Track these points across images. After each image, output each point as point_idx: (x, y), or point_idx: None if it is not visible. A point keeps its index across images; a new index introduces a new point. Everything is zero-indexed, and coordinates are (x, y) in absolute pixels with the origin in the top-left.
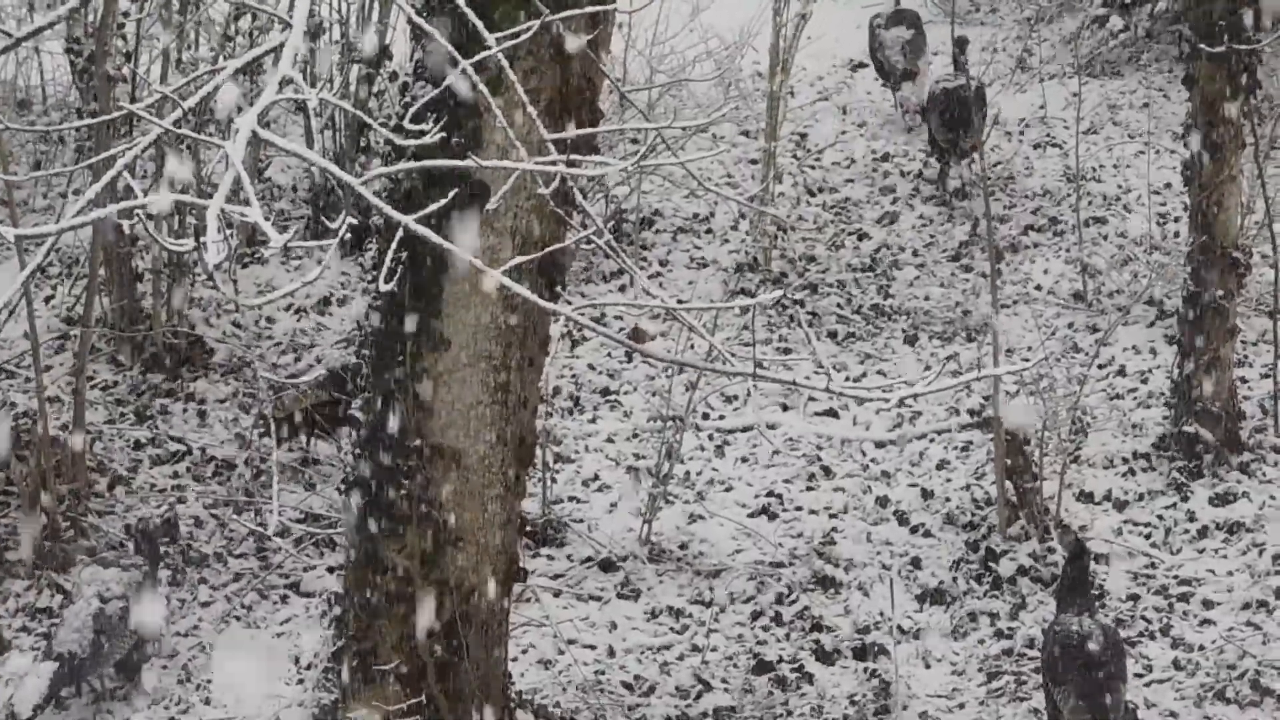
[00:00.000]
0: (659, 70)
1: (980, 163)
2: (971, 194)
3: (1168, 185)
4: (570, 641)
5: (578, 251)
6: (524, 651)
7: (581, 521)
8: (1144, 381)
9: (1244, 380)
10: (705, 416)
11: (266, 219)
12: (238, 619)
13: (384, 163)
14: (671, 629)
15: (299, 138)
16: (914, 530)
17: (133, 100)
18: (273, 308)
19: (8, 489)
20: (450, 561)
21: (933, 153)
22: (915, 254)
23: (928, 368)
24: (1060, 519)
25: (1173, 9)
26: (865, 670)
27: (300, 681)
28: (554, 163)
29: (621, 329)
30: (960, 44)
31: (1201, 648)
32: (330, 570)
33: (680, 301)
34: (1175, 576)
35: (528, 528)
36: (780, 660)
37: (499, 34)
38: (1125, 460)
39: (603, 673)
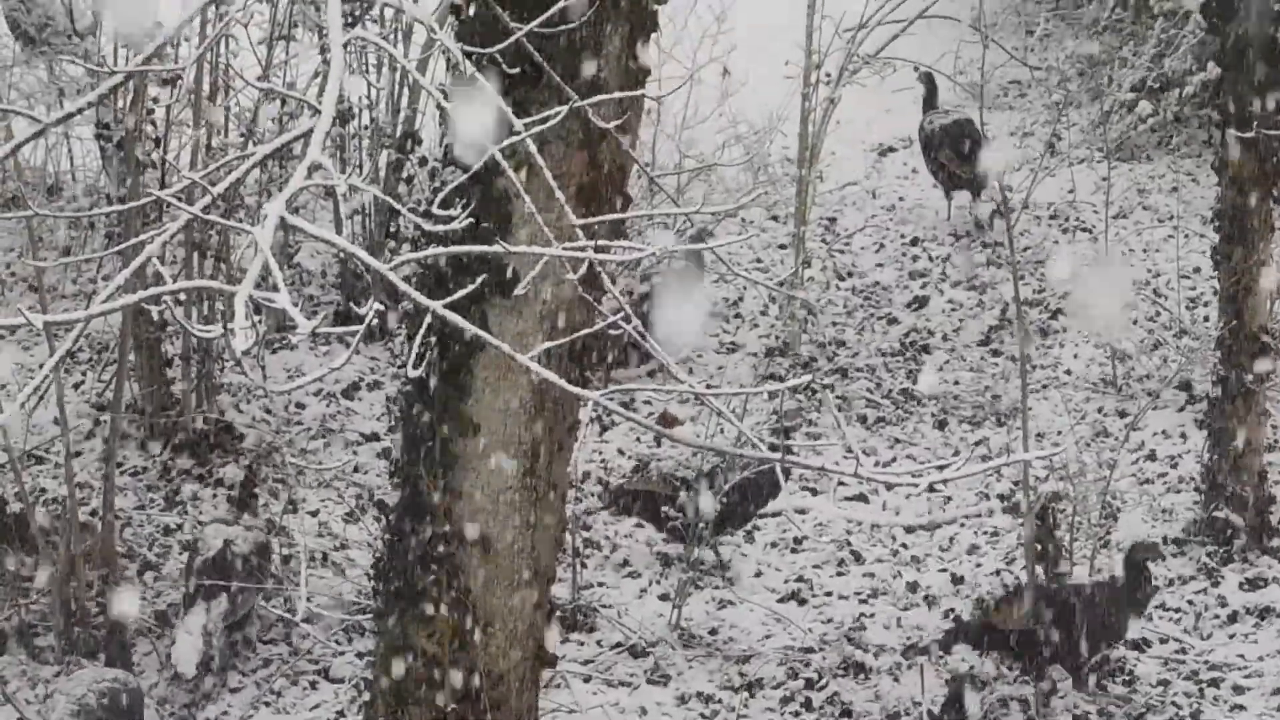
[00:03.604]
0: (688, 155)
1: (1009, 240)
2: (995, 222)
3: (1197, 269)
4: None
5: (606, 336)
6: None
7: (611, 607)
8: (1174, 466)
9: (1274, 465)
10: None
11: (295, 305)
12: (267, 704)
13: (413, 248)
14: (701, 714)
15: (328, 223)
16: (945, 615)
17: (162, 186)
18: (302, 393)
19: (38, 574)
20: (479, 647)
21: (946, 188)
22: (945, 338)
23: (957, 452)
24: None
25: (1202, 94)
26: None
27: None
28: (583, 248)
29: (650, 414)
30: (928, 80)
31: None
32: (359, 656)
33: (709, 386)
34: (1206, 662)
35: (557, 613)
36: None
37: (528, 119)
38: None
39: None
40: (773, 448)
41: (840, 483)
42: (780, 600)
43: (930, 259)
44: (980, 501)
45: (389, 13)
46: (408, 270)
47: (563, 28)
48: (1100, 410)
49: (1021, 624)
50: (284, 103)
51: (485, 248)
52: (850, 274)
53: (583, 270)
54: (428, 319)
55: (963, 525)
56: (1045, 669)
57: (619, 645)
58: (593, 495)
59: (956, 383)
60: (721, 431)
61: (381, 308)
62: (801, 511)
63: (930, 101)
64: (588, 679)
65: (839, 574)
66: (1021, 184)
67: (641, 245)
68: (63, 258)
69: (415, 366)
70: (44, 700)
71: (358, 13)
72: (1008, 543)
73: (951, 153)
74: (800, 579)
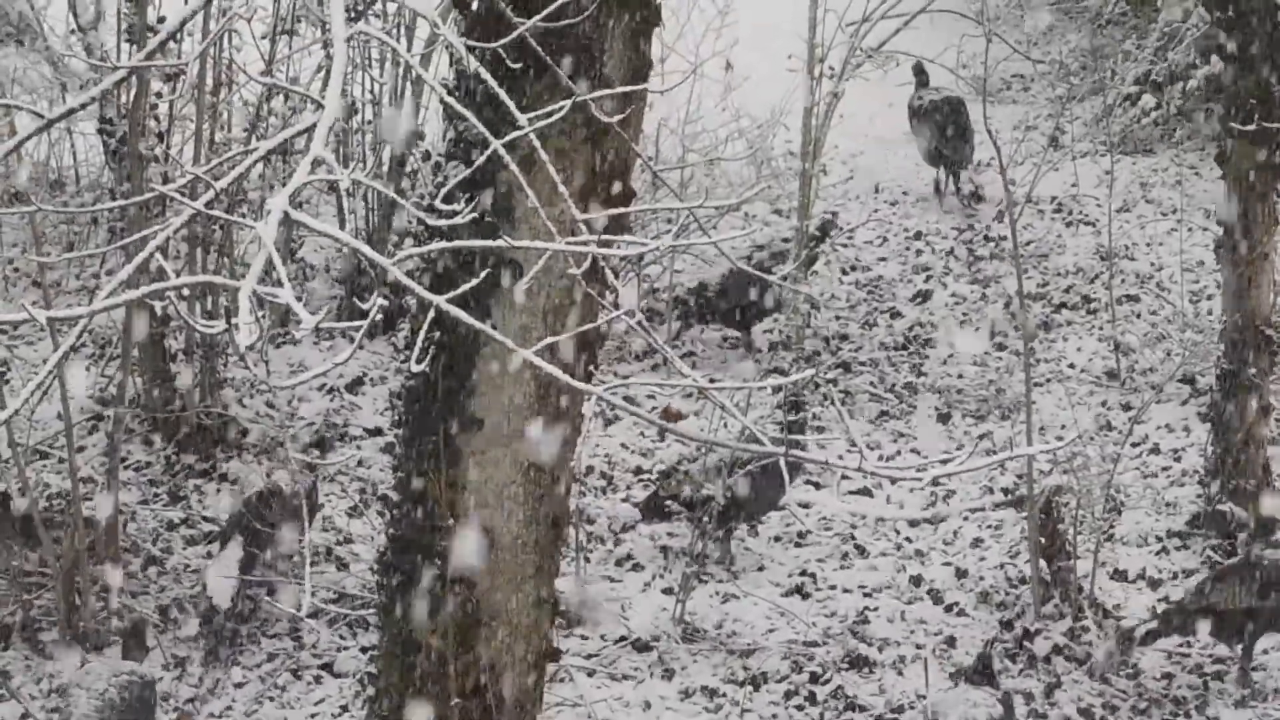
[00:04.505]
0: (691, 149)
1: (1012, 234)
2: (984, 197)
3: (1200, 263)
4: None
5: (610, 331)
6: None
7: (615, 601)
8: (1177, 459)
9: (1277, 458)
10: None
11: (298, 299)
12: (271, 699)
13: (416, 242)
14: (705, 709)
15: (331, 218)
16: (948, 609)
17: (165, 181)
18: (305, 388)
19: (42, 570)
20: (483, 641)
21: (936, 164)
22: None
23: (960, 446)
24: (1094, 597)
25: (1205, 87)
26: None
27: None
28: (586, 242)
29: (654, 408)
30: (918, 70)
31: None
32: (363, 650)
33: (712, 381)
34: (1210, 655)
35: (561, 607)
36: None
37: (531, 114)
38: (1159, 538)
39: None
40: (777, 441)
41: (844, 476)
42: (784, 594)
43: (934, 253)
44: (984, 495)
45: (392, 7)
46: (411, 265)
47: (566, 22)
48: (1104, 404)
49: (1231, 602)
50: (287, 97)
51: (488, 242)
52: (854, 268)
53: (586, 265)
54: (431, 313)
55: (966, 519)
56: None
57: (623, 639)
58: (596, 489)
59: (960, 377)
60: (725, 426)
61: (385, 302)
62: (805, 505)
63: (922, 82)
64: (592, 673)
65: (843, 567)
66: (1025, 177)
67: (644, 240)
68: (66, 253)
69: (418, 361)
70: (57, 693)
71: (361, 7)
72: (1011, 536)
73: (937, 129)
74: (804, 573)
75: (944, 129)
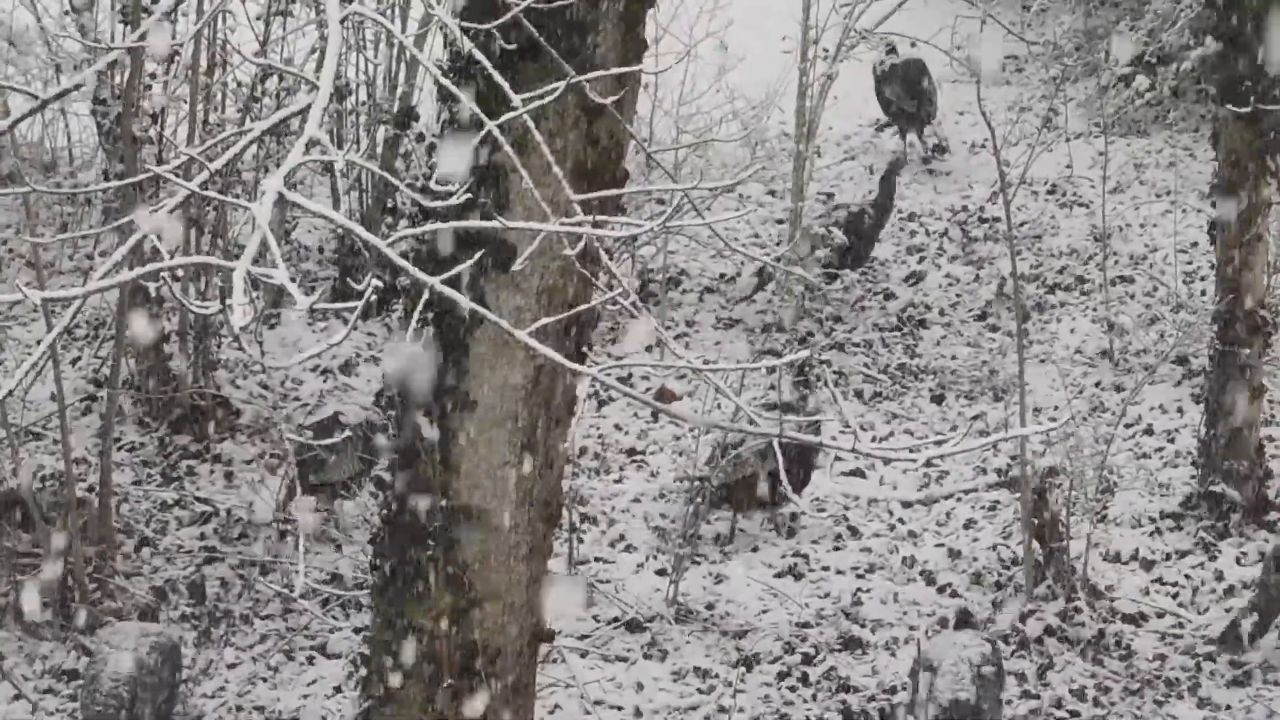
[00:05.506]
0: (685, 130)
1: (1006, 215)
2: (948, 148)
3: (1194, 244)
4: (597, 702)
5: (604, 312)
6: (551, 712)
7: (608, 582)
8: (1171, 441)
9: (1271, 439)
10: None
11: (293, 280)
12: (264, 680)
13: (410, 224)
14: (698, 689)
15: (325, 199)
16: (941, 590)
17: (159, 162)
18: (299, 369)
19: (35, 551)
20: (476, 622)
21: (894, 123)
22: (942, 313)
23: (954, 427)
24: (1087, 579)
25: (1199, 68)
26: None
27: None
28: (580, 224)
29: (648, 389)
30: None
31: (1229, 707)
32: (356, 631)
33: (706, 362)
34: (1203, 636)
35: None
36: None
37: (525, 95)
38: (1152, 520)
39: None
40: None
41: (837, 458)
42: (777, 575)
43: (927, 234)
44: (977, 476)
45: None
46: (405, 246)
47: (560, 3)
48: (1097, 385)
49: None
50: (281, 79)
51: (483, 223)
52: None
53: (580, 246)
54: (425, 295)
55: (959, 500)
56: None
57: (616, 620)
58: (590, 470)
59: (954, 358)
60: (719, 407)
61: (379, 284)
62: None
63: (888, 50)
64: (585, 654)
65: (836, 549)
66: (1019, 159)
67: (638, 221)
68: (60, 234)
69: (412, 342)
70: (50, 675)
71: None
72: (1004, 517)
73: (900, 89)
74: (797, 554)
75: (906, 88)
